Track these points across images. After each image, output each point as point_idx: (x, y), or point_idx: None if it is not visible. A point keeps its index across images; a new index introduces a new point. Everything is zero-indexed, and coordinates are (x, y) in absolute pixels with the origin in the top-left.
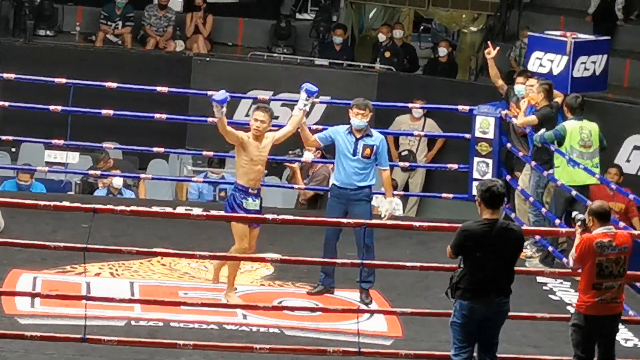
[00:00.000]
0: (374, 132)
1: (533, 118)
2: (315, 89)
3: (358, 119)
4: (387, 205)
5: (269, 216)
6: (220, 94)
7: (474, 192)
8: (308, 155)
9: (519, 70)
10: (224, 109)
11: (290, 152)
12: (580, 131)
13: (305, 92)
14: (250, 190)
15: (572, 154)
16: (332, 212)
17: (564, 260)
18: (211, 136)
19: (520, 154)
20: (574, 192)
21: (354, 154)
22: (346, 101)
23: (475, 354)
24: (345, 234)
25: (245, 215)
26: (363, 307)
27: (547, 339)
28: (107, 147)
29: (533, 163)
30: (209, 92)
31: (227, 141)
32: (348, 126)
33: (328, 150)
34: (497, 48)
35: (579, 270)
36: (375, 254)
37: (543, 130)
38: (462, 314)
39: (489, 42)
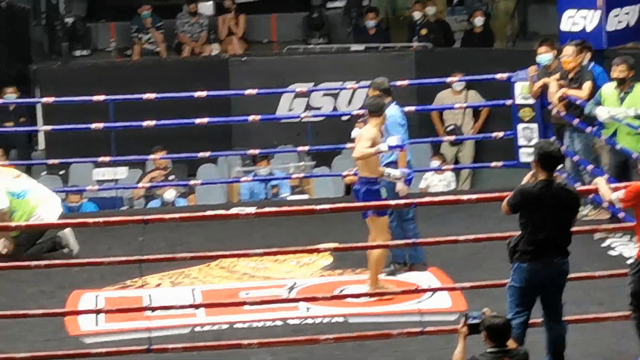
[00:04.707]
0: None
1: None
2: (396, 143)
3: None
4: (391, 172)
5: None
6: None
7: (522, 158)
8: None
9: (540, 40)
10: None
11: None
12: None
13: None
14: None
15: None
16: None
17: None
18: (255, 134)
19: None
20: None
21: None
22: None
23: (542, 319)
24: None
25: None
26: (424, 286)
27: (611, 295)
28: (154, 158)
29: (576, 121)
30: (246, 92)
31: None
32: None
33: None
34: None
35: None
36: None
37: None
38: (522, 277)
39: None
